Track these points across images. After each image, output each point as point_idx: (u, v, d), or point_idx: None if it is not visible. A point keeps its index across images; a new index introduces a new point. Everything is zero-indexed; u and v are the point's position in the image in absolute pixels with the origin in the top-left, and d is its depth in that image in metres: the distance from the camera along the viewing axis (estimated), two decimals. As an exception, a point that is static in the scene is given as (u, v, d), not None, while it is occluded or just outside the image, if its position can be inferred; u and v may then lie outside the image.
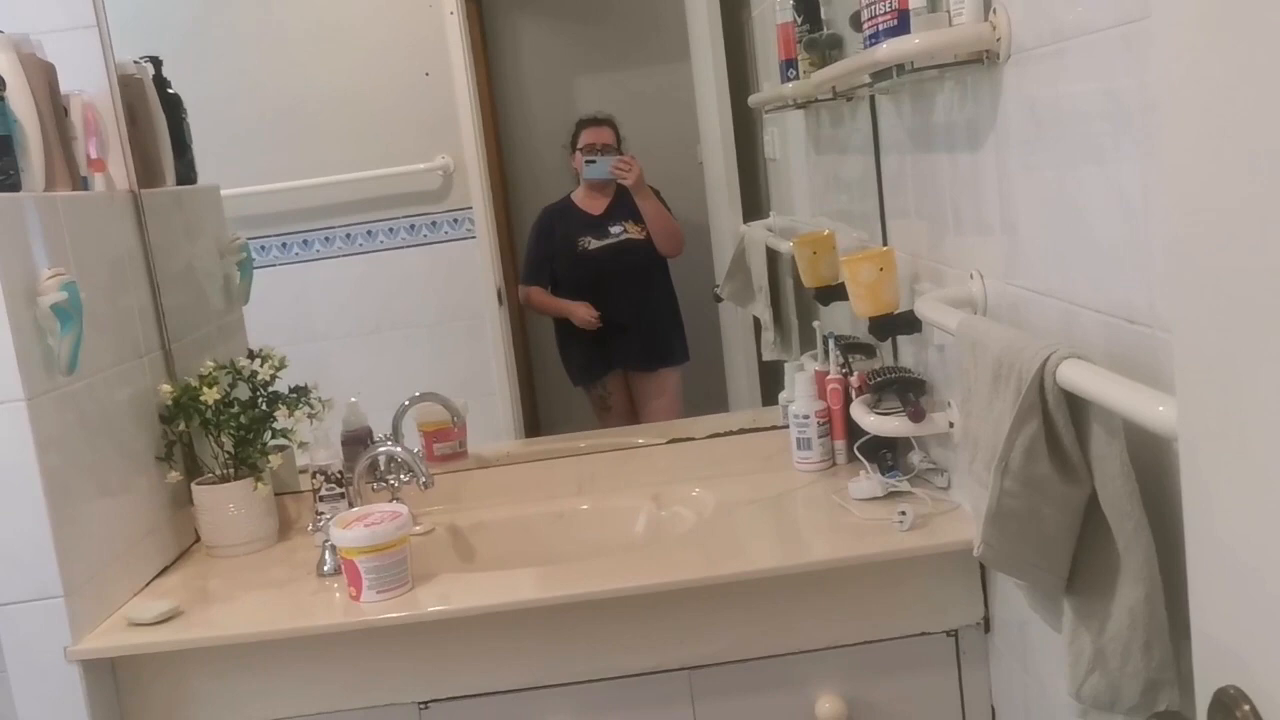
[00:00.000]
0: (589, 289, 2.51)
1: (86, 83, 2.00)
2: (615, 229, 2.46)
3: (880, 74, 1.71)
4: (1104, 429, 1.07)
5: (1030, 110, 1.34)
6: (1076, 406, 1.10)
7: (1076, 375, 1.06)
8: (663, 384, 2.56)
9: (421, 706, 1.76)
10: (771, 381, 2.51)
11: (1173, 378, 1.00)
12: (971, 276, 1.58)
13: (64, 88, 1.90)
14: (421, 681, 1.75)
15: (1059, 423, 1.09)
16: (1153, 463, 1.09)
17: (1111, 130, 1.13)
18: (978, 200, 1.55)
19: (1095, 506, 1.10)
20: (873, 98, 1.98)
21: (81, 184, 1.93)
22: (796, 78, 2.11)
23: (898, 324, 1.82)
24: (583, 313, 2.48)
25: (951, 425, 1.76)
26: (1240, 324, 0.70)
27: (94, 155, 1.98)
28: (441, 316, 2.47)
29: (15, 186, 1.69)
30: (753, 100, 2.46)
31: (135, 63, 2.12)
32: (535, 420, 2.54)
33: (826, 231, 2.15)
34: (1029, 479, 1.11)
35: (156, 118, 2.15)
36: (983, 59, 1.42)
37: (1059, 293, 1.30)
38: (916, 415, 1.75)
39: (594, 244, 2.47)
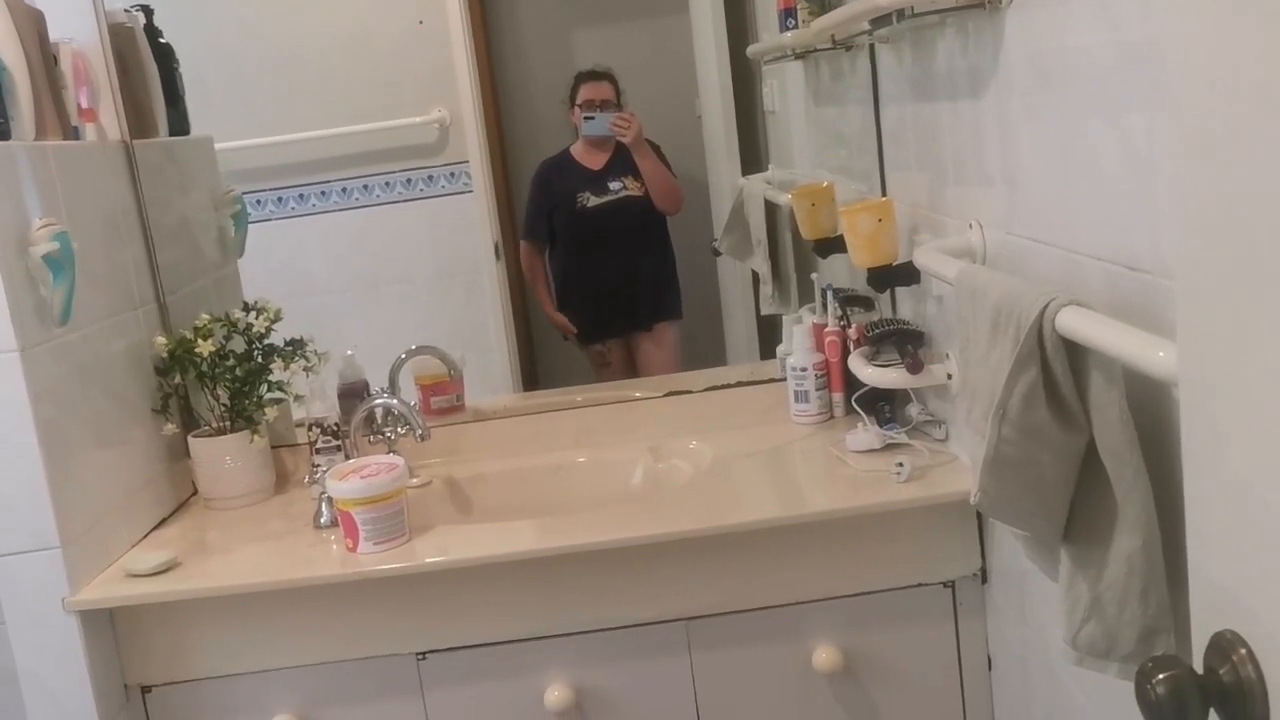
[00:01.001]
0: (587, 245, 2.49)
1: (76, 31, 1.97)
2: (614, 185, 2.44)
3: (880, 21, 1.68)
4: (1103, 376, 1.06)
5: (1033, 56, 1.32)
6: (1075, 354, 1.09)
7: (1076, 322, 1.05)
8: (660, 340, 2.55)
9: (419, 657, 1.76)
10: (769, 336, 2.50)
11: (1172, 325, 1.00)
12: (971, 226, 1.56)
13: (53, 36, 1.88)
14: (419, 632, 1.76)
15: (1057, 370, 1.08)
16: (1151, 411, 1.09)
17: (1117, 76, 1.11)
18: (978, 149, 1.54)
19: (1093, 454, 1.09)
20: (872, 47, 1.95)
21: (73, 134, 1.91)
22: (795, 27, 2.08)
23: (896, 275, 1.81)
24: (560, 321, 2.49)
25: (950, 377, 1.75)
26: (1245, 267, 0.69)
27: (85, 105, 1.96)
28: (438, 271, 2.45)
29: (4, 135, 1.67)
30: (751, 51, 2.43)
31: (126, 11, 2.09)
32: (533, 375, 2.53)
33: (826, 183, 2.13)
34: (1027, 427, 1.10)
35: (148, 67, 2.12)
36: (984, 3, 1.40)
37: (1060, 241, 1.29)
38: (915, 367, 1.75)
39: (593, 200, 2.45)
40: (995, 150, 1.48)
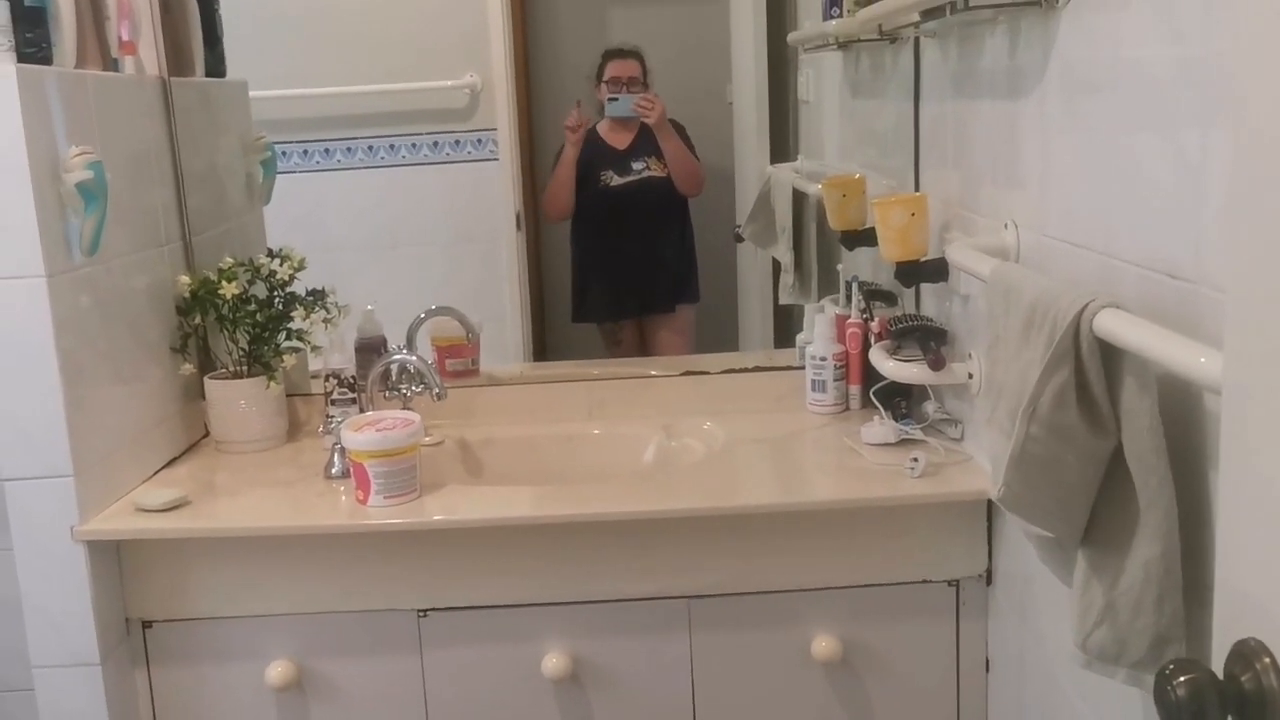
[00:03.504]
0: (608, 224, 2.48)
1: (121, -37, 1.96)
2: (638, 165, 2.43)
3: (930, 12, 1.67)
4: (1136, 381, 1.06)
5: (1085, 60, 1.31)
6: (1110, 357, 1.09)
7: (1115, 324, 1.04)
8: (674, 323, 2.54)
9: (420, 614, 1.77)
10: (784, 326, 2.50)
11: (1210, 334, 1.00)
12: (1006, 226, 1.56)
13: (98, -34, 1.87)
14: (422, 589, 1.76)
15: (1091, 372, 1.08)
16: (1178, 421, 1.09)
17: (1174, 87, 1.10)
18: (1018, 150, 1.53)
19: (1119, 459, 1.09)
20: (917, 40, 1.95)
21: (112, 65, 1.91)
22: (840, 15, 2.07)
23: (925, 271, 1.80)
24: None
25: (971, 376, 1.75)
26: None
27: (125, 38, 1.95)
28: (457, 237, 2.45)
29: (46, 60, 1.67)
30: (792, 38, 2.42)
31: (171, -53, 2.08)
32: (543, 348, 2.52)
33: (857, 175, 2.12)
34: (1055, 426, 1.10)
35: (189, 5, 2.12)
36: (1040, 2, 1.39)
37: (1097, 245, 1.28)
38: (937, 363, 1.75)
39: (615, 180, 2.44)
40: (1036, 152, 1.47)
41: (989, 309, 1.36)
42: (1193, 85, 1.07)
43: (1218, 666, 0.79)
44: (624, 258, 2.51)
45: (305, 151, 2.38)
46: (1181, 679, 0.76)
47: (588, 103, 2.42)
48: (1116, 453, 1.10)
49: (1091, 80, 1.30)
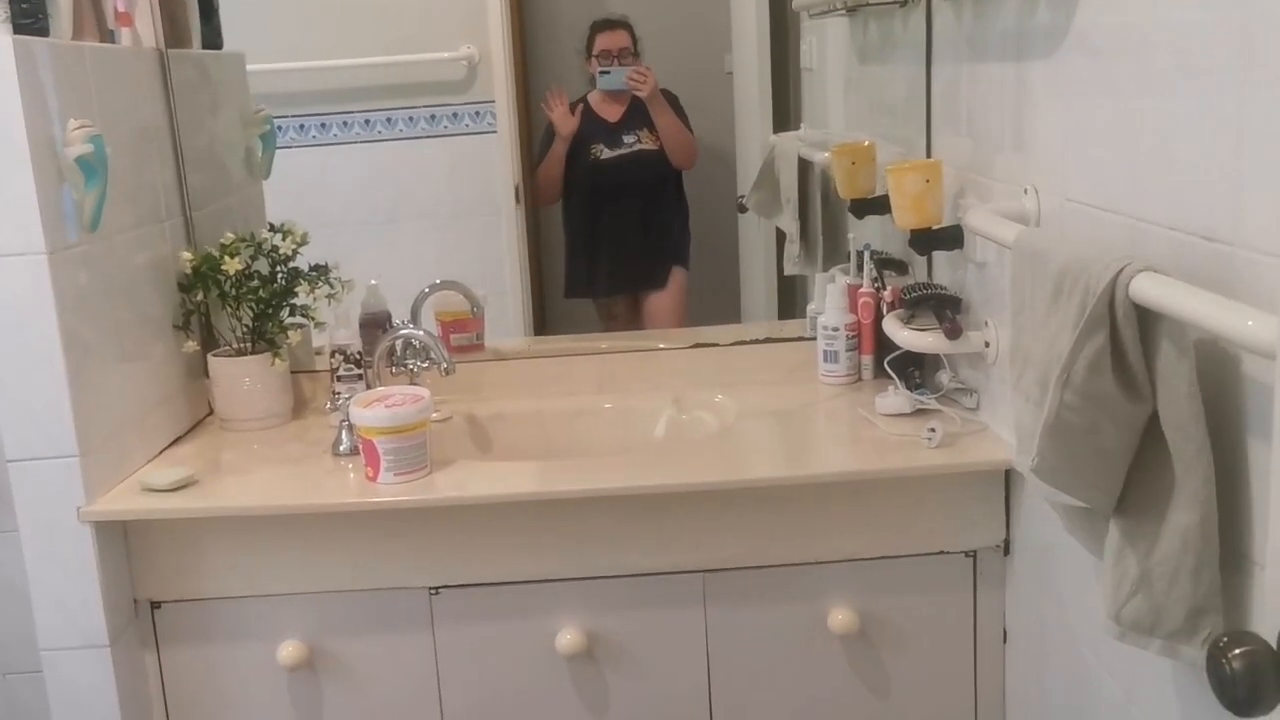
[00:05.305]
0: (599, 198, 2.45)
1: (116, -69, 1.92)
2: (629, 138, 2.40)
3: (946, -25, 1.64)
4: (1174, 347, 1.03)
5: (1112, 19, 1.28)
6: (1145, 323, 1.06)
7: (1154, 288, 1.02)
8: (668, 295, 2.51)
9: (432, 592, 1.75)
10: (787, 297, 2.48)
11: (1249, 296, 0.98)
12: (1026, 191, 1.53)
13: (94, -65, 1.83)
14: (433, 567, 1.74)
15: (1126, 337, 1.06)
16: (1216, 385, 1.06)
17: (1207, 42, 1.08)
18: (1038, 113, 1.50)
19: (1154, 426, 1.07)
20: (929, 3, 1.91)
21: (109, 37, 1.87)
22: (850, -21, 2.04)
23: (940, 238, 1.78)
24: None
25: (987, 345, 1.73)
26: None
27: (121, 9, 1.92)
28: (456, 211, 2.42)
29: (43, 31, 1.63)
30: (797, 3, 2.38)
31: (166, -85, 2.04)
32: (544, 321, 2.50)
33: (867, 142, 2.09)
34: (1090, 393, 1.08)
35: (185, -25, 2.08)
36: (1063, -39, 1.36)
37: (1125, 208, 1.26)
38: (953, 331, 1.73)
39: (606, 153, 2.40)
40: (1057, 114, 1.44)
41: (1014, 275, 1.33)
42: (1230, 41, 1.04)
43: (1270, 638, 0.77)
44: (615, 233, 2.47)
45: (302, 126, 2.35)
46: (1237, 651, 0.74)
47: (578, 76, 2.38)
48: (1152, 419, 1.08)
49: (1119, 40, 1.27)
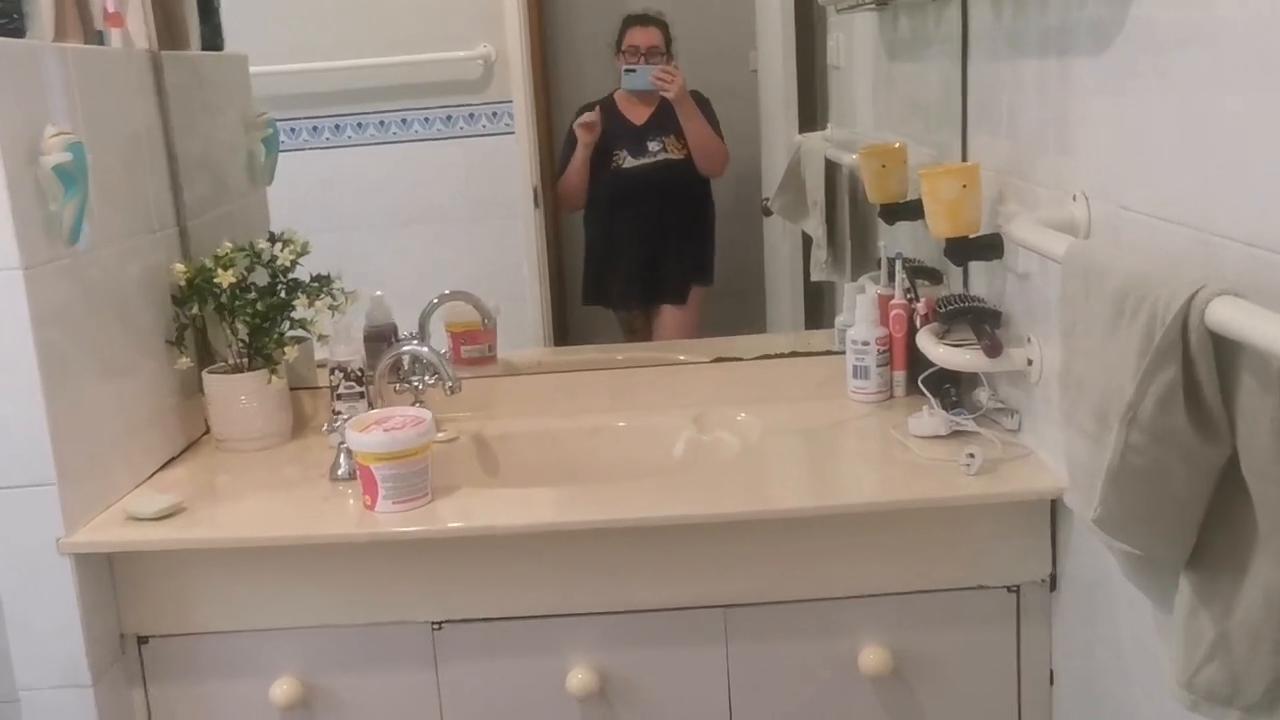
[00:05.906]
0: (620, 209, 2.35)
1: (104, -74, 1.83)
2: (654, 145, 2.29)
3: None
4: (1256, 381, 0.91)
5: (1174, 12, 1.16)
6: (1223, 354, 0.94)
7: (1234, 315, 0.89)
8: (686, 310, 2.40)
9: (435, 627, 1.65)
10: (815, 305, 2.38)
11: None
12: (1075, 198, 1.41)
13: (79, -71, 1.74)
14: (436, 600, 1.64)
15: (1201, 370, 0.93)
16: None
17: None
18: (1089, 113, 1.38)
19: (1233, 470, 0.95)
20: (966, -2, 1.80)
21: (96, 39, 1.78)
22: (880, -27, 1.92)
23: (977, 248, 1.66)
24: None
25: (1030, 363, 1.61)
26: None
27: (111, 9, 1.83)
28: (473, 215, 2.34)
29: (19, 33, 1.54)
30: (823, -1, 2.27)
31: (160, -92, 1.95)
32: (564, 330, 2.41)
33: (897, 144, 1.98)
34: (1160, 433, 0.96)
35: (181, -28, 1.99)
36: (1119, -53, 1.24)
37: (1190, 219, 1.13)
38: (994, 349, 1.61)
39: (629, 161, 2.30)
40: (1112, 114, 1.32)
41: (1064, 292, 1.21)
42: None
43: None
44: (634, 244, 2.37)
45: (315, 128, 2.28)
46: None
47: (602, 76, 2.28)
48: (1230, 463, 0.95)
49: (1183, 34, 1.15)
